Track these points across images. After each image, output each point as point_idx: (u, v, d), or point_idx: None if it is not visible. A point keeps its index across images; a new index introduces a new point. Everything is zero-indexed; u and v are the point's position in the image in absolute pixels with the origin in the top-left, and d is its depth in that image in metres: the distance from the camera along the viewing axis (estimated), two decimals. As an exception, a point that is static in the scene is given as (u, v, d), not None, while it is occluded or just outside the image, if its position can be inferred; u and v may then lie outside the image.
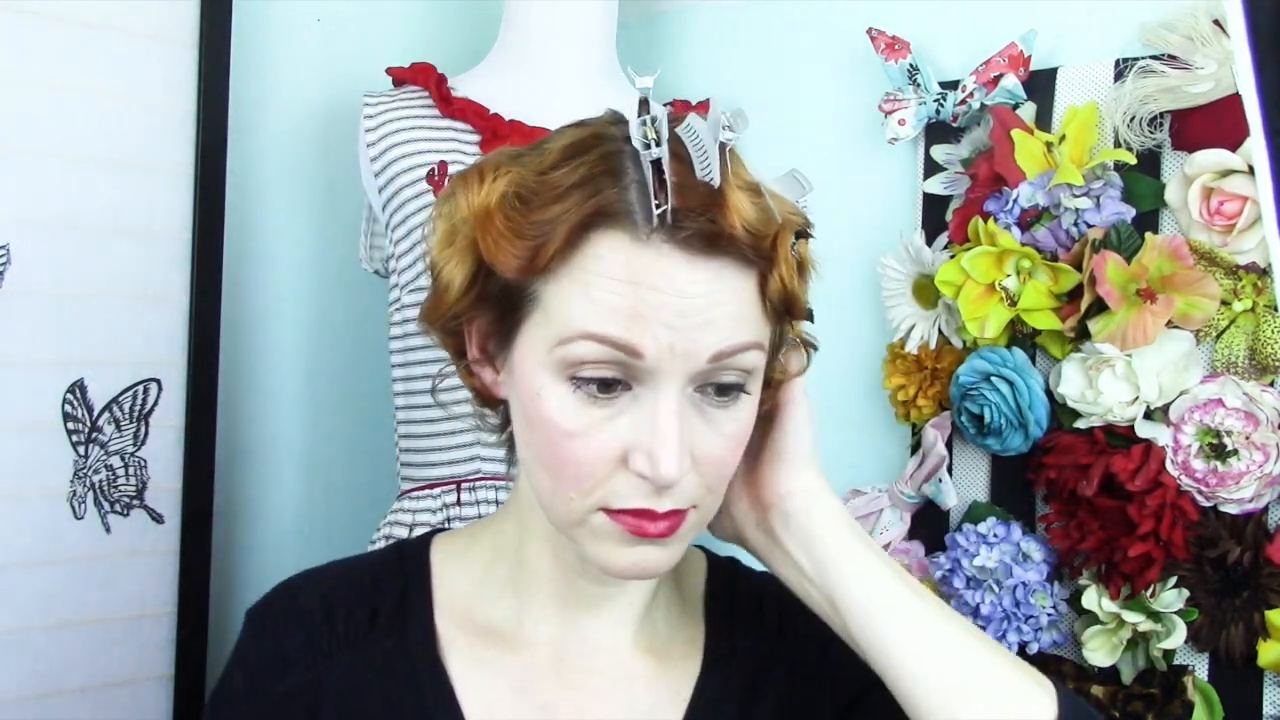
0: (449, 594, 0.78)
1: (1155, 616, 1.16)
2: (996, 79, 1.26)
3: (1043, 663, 1.25)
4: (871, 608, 0.69)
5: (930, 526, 1.35)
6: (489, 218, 0.66)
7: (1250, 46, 0.67)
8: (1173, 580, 1.16)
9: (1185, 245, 1.14)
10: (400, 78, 1.39)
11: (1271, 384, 1.12)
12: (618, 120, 0.69)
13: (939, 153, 1.34)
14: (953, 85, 1.31)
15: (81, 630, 1.27)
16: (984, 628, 1.25)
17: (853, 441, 1.42)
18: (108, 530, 1.29)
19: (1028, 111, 1.26)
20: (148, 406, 1.32)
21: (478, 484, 1.28)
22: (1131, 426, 1.17)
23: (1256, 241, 1.11)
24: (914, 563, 1.34)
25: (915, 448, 1.35)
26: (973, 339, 1.27)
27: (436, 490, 1.29)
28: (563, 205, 0.64)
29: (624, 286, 0.63)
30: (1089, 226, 1.20)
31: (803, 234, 0.68)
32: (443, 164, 1.30)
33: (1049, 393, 1.24)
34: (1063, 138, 1.23)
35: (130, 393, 1.30)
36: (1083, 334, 1.21)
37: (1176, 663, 1.17)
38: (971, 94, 1.28)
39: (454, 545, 0.81)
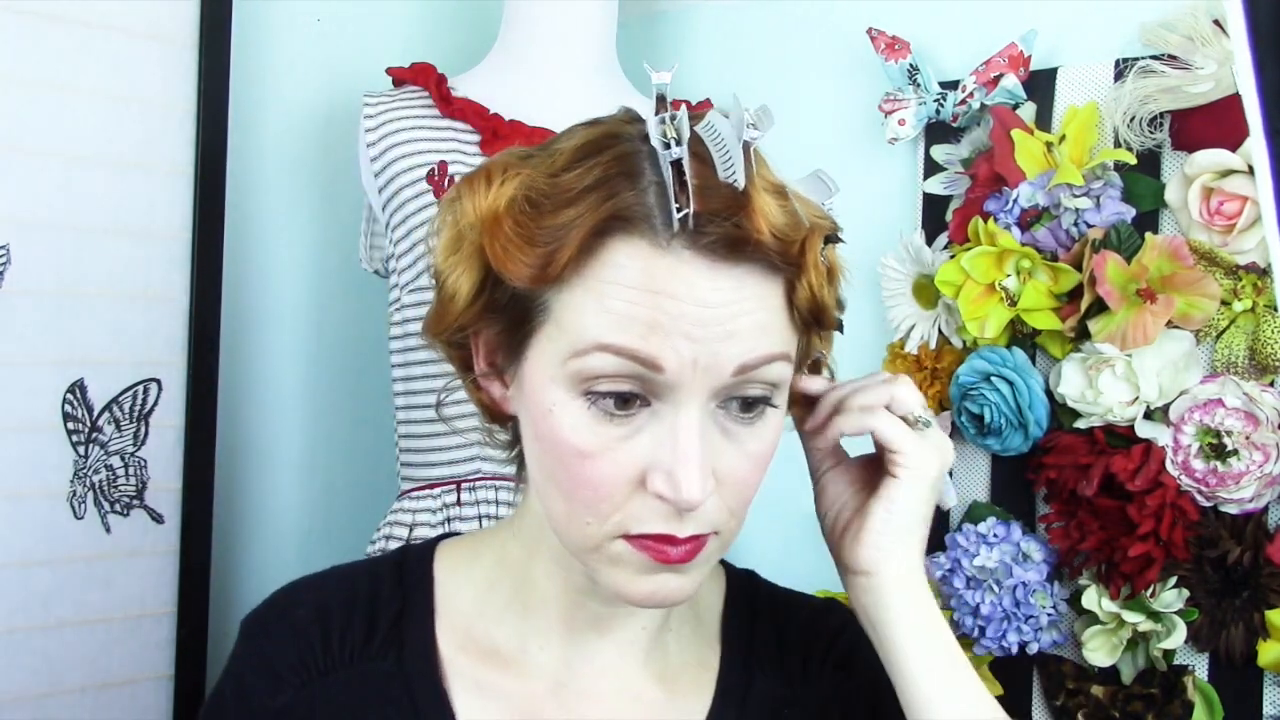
0: (451, 610, 0.74)
1: (1155, 616, 1.16)
2: (996, 79, 1.26)
3: (1043, 662, 1.25)
4: (929, 703, 0.67)
5: (930, 526, 1.34)
6: (497, 223, 0.62)
7: (1250, 46, 0.67)
8: (1173, 580, 1.16)
9: (1185, 245, 1.14)
10: (400, 78, 1.39)
11: (1271, 384, 1.12)
12: (633, 119, 0.65)
13: (939, 153, 1.34)
14: (953, 85, 1.31)
15: (81, 630, 1.27)
16: (984, 628, 1.25)
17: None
18: (108, 530, 1.29)
19: (1028, 111, 1.26)
20: (148, 406, 1.32)
21: (478, 484, 1.28)
22: (1131, 426, 1.17)
23: (1256, 241, 1.11)
24: (914, 563, 1.34)
25: (915, 448, 1.35)
26: (973, 339, 1.27)
27: (436, 490, 1.29)
28: (576, 209, 0.60)
29: (642, 295, 0.59)
30: (1089, 226, 1.20)
31: (833, 238, 0.64)
32: (443, 164, 1.30)
33: (1049, 393, 1.24)
34: (1063, 138, 1.23)
35: (130, 393, 1.30)
36: (1083, 334, 1.21)
37: (1176, 663, 1.17)
38: (971, 94, 1.28)
39: (458, 556, 0.77)
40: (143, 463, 1.31)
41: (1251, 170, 1.09)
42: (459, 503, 1.28)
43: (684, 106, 0.61)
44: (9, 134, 1.21)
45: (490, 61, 1.42)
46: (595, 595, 0.71)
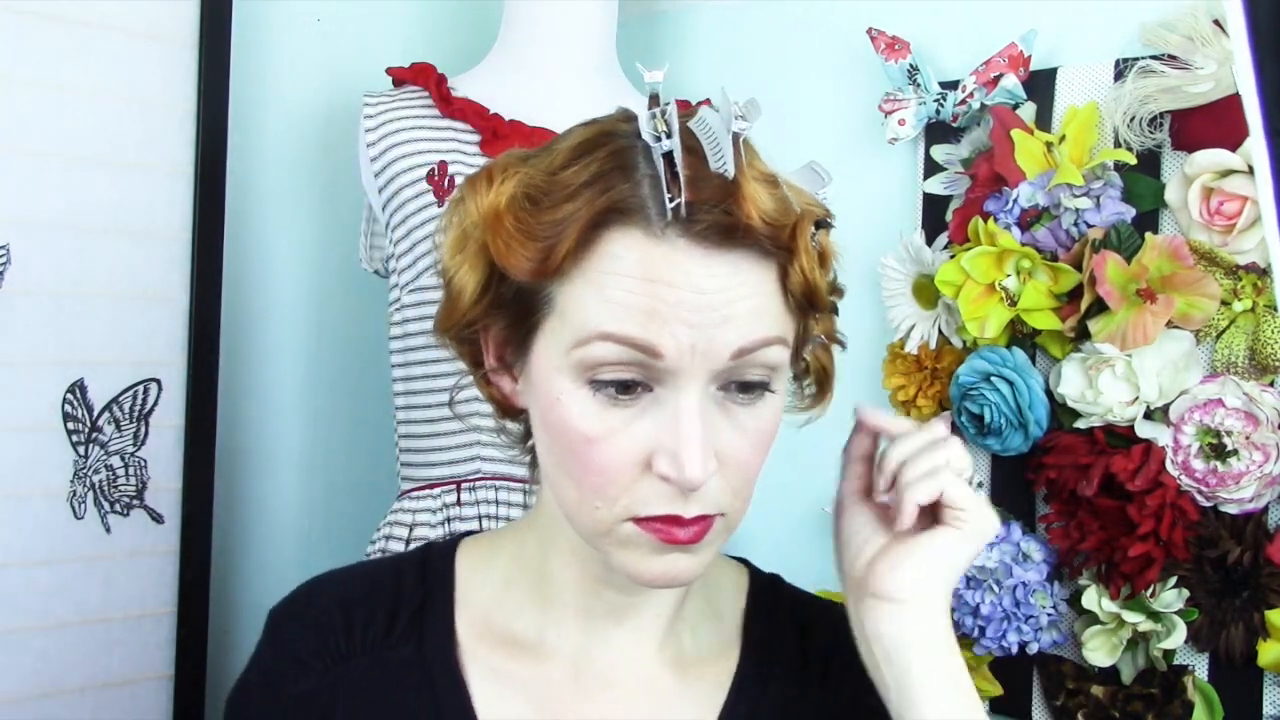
0: (471, 602, 0.76)
1: (1155, 616, 1.16)
2: (996, 79, 1.26)
3: (1043, 662, 1.25)
4: None
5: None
6: (499, 220, 0.64)
7: (1250, 46, 0.67)
8: (1173, 580, 1.16)
9: (1185, 245, 1.14)
10: (400, 78, 1.39)
11: (1271, 384, 1.12)
12: (628, 118, 0.67)
13: (939, 153, 1.34)
14: (953, 85, 1.31)
15: (81, 630, 1.27)
16: (984, 628, 1.25)
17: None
18: (108, 530, 1.29)
19: (1028, 111, 1.26)
20: (148, 406, 1.32)
21: (478, 484, 1.28)
22: (1131, 426, 1.17)
23: (1256, 241, 1.11)
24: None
25: (915, 448, 1.35)
26: (973, 339, 1.27)
27: (436, 490, 1.29)
28: (574, 204, 0.62)
29: (639, 284, 0.61)
30: (1089, 226, 1.20)
31: (823, 224, 0.66)
32: (443, 164, 1.30)
33: (1049, 393, 1.24)
34: (1063, 138, 1.23)
35: (130, 393, 1.30)
36: (1083, 334, 1.21)
37: (1176, 663, 1.17)
38: (971, 94, 1.28)
39: (480, 552, 0.79)
40: (143, 463, 1.32)
41: (1251, 170, 1.09)
42: (459, 503, 1.28)
43: (673, 102, 0.63)
44: (9, 134, 1.21)
45: (490, 61, 1.42)
46: (611, 584, 0.73)
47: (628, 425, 0.64)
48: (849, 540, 0.73)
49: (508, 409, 0.74)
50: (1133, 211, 1.19)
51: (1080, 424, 1.20)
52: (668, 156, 0.61)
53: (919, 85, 1.33)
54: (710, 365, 0.63)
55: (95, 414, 1.28)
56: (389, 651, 0.75)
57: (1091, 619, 1.20)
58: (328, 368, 1.60)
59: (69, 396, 1.26)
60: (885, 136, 1.34)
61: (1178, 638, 1.15)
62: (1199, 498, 1.14)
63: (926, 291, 1.32)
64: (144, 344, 1.31)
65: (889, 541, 0.71)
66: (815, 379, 0.75)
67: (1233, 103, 1.07)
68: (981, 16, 1.32)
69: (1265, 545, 1.11)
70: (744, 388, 0.65)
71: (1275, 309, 1.11)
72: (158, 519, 1.33)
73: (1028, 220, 1.24)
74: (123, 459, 1.30)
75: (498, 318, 0.68)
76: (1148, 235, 1.17)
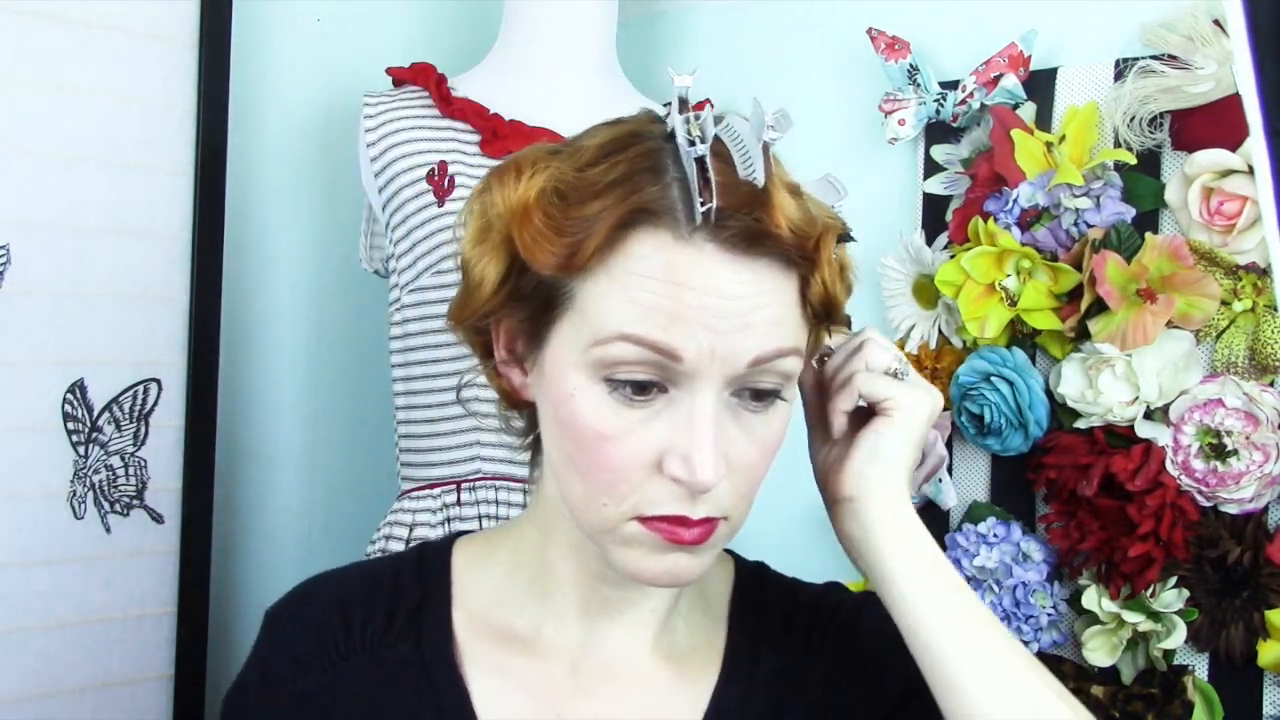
0: (469, 599, 0.77)
1: (1155, 616, 1.16)
2: (996, 79, 1.26)
3: (1043, 662, 1.25)
4: (921, 617, 0.68)
5: (930, 526, 1.33)
6: (527, 214, 0.65)
7: (1250, 46, 0.67)
8: (1173, 580, 1.16)
9: (1185, 245, 1.14)
10: (400, 78, 1.39)
11: (1271, 384, 1.12)
12: (655, 119, 0.68)
13: (939, 153, 1.34)
14: (953, 85, 1.31)
15: (81, 630, 1.26)
16: (984, 628, 1.25)
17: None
18: (108, 530, 1.29)
19: (1028, 111, 1.26)
20: (148, 406, 1.32)
21: (478, 484, 1.28)
22: (1131, 426, 1.17)
23: (1256, 241, 1.11)
24: (914, 563, 1.34)
25: (915, 448, 1.35)
26: (973, 339, 1.27)
27: (436, 490, 1.29)
28: (602, 202, 0.63)
29: (664, 286, 0.62)
30: (1089, 226, 1.20)
31: (845, 238, 0.67)
32: (443, 164, 1.30)
33: (1049, 393, 1.24)
34: (1063, 138, 1.23)
35: (130, 393, 1.30)
36: (1083, 334, 1.21)
37: (1176, 663, 1.17)
38: (971, 94, 1.28)
39: (476, 549, 0.80)
40: (143, 463, 1.31)
41: (1251, 170, 1.09)
42: (459, 503, 1.28)
43: (708, 106, 0.64)
44: (9, 134, 1.21)
45: (490, 61, 1.42)
46: (607, 579, 0.73)
47: (641, 425, 0.64)
48: (815, 456, 0.75)
49: (515, 401, 0.74)
50: (1133, 211, 1.19)
51: (1080, 424, 1.20)
52: (699, 161, 0.61)
53: (919, 85, 1.32)
54: (727, 371, 0.63)
55: (95, 414, 1.28)
56: (388, 650, 0.75)
57: (1091, 619, 1.20)
58: (328, 368, 1.60)
59: (69, 396, 1.26)
60: (885, 136, 1.34)
61: (1178, 638, 1.15)
62: (1199, 498, 1.14)
63: (926, 291, 1.32)
64: (144, 344, 1.31)
65: (838, 449, 0.73)
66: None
67: (1233, 103, 1.07)
68: (981, 16, 1.32)
69: (1265, 545, 1.11)
70: (757, 395, 0.65)
71: (1275, 309, 1.11)
72: (158, 519, 1.33)
73: (1028, 220, 1.24)
74: (123, 459, 1.30)
75: (514, 310, 0.69)
76: (1148, 235, 1.17)
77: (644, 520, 0.65)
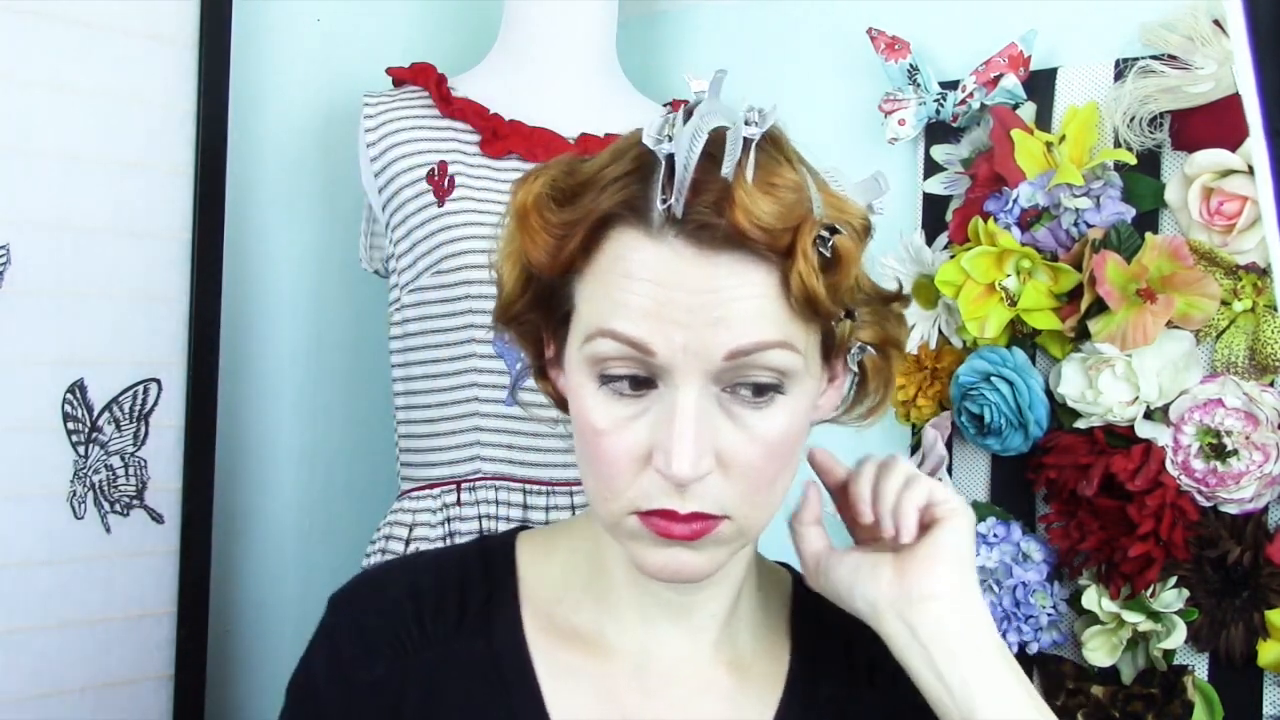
0: (534, 597, 0.77)
1: (1155, 616, 1.16)
2: (996, 79, 1.26)
3: (1043, 662, 1.25)
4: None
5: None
6: (526, 216, 0.67)
7: (1250, 46, 0.67)
8: (1173, 580, 1.16)
9: (1185, 245, 1.14)
10: (400, 78, 1.39)
11: (1271, 384, 1.12)
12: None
13: (939, 153, 1.34)
14: (953, 85, 1.31)
15: (81, 630, 1.26)
16: (984, 628, 1.25)
17: (852, 441, 1.42)
18: (108, 530, 1.29)
19: (1028, 111, 1.26)
20: (148, 406, 1.32)
21: (478, 484, 1.28)
22: (1131, 426, 1.17)
23: (1256, 241, 1.11)
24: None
25: (915, 448, 1.35)
26: (973, 339, 1.27)
27: (436, 490, 1.29)
28: (588, 203, 0.65)
29: (640, 284, 0.63)
30: (1089, 226, 1.20)
31: (832, 229, 0.65)
32: (443, 164, 1.30)
33: (1049, 393, 1.24)
34: (1063, 138, 1.23)
35: (130, 393, 1.30)
36: (1083, 334, 1.21)
37: (1176, 663, 1.17)
38: (971, 94, 1.28)
39: (536, 546, 0.80)
40: (143, 463, 1.31)
41: (1251, 170, 1.09)
42: (459, 503, 1.28)
43: (682, 109, 0.64)
44: (9, 134, 1.21)
45: (490, 61, 1.42)
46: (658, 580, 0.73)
47: (633, 420, 0.65)
48: (856, 580, 0.73)
49: (561, 403, 0.75)
50: (1133, 211, 1.19)
51: (1080, 424, 1.20)
52: (668, 158, 0.62)
53: (919, 85, 1.32)
54: (704, 365, 0.63)
55: (95, 414, 1.28)
56: (460, 644, 0.75)
57: (1091, 619, 1.20)
58: (328, 368, 1.60)
59: (69, 396, 1.26)
60: (885, 136, 1.34)
61: (1178, 638, 1.15)
62: (1199, 498, 1.14)
63: (926, 291, 1.32)
64: (144, 344, 1.31)
65: (899, 558, 0.72)
66: (863, 386, 0.74)
67: (1233, 103, 1.07)
68: (981, 16, 1.32)
69: (1265, 545, 1.11)
70: (757, 390, 0.65)
71: (1275, 309, 1.11)
72: (158, 519, 1.33)
73: (1028, 220, 1.24)
74: (123, 459, 1.30)
75: (539, 312, 0.71)
76: (1148, 235, 1.17)
77: (640, 515, 0.66)
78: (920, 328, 1.33)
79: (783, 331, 0.65)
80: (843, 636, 0.79)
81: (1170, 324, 1.16)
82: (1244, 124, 0.68)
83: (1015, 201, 1.23)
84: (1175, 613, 1.15)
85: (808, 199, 0.65)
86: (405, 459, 1.34)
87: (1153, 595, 1.16)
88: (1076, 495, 1.19)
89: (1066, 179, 1.19)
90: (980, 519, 1.28)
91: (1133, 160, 1.18)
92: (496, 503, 1.27)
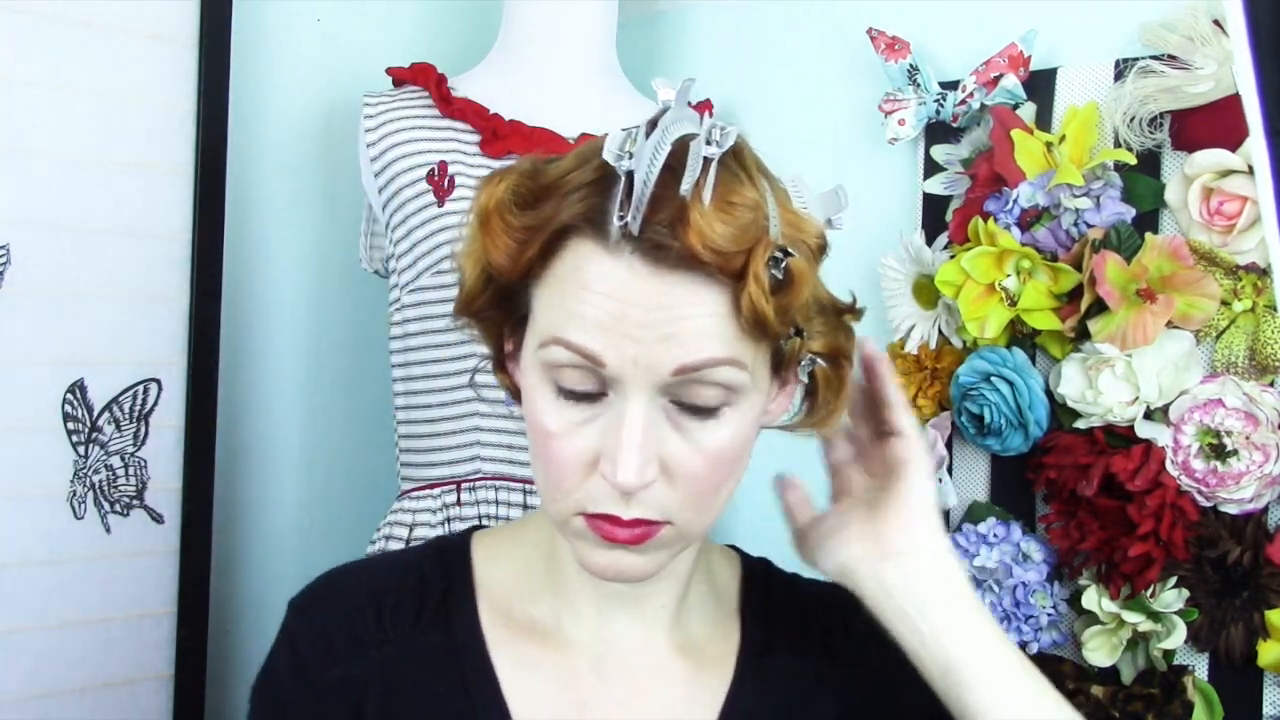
0: (491, 591, 0.79)
1: (1155, 616, 1.16)
2: (996, 79, 1.26)
3: (1043, 662, 1.25)
4: (985, 687, 0.69)
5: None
6: (489, 219, 0.68)
7: (1250, 46, 0.67)
8: (1173, 580, 1.16)
9: (1185, 245, 1.14)
10: (400, 78, 1.39)
11: (1271, 384, 1.12)
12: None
13: (939, 153, 1.34)
14: (953, 85, 1.31)
15: (81, 630, 1.26)
16: (984, 628, 1.25)
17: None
18: (108, 530, 1.29)
19: (1028, 111, 1.26)
20: (148, 406, 1.32)
21: (478, 484, 1.28)
22: (1131, 426, 1.17)
23: (1256, 241, 1.11)
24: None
25: (915, 448, 1.35)
26: (973, 339, 1.27)
27: (436, 490, 1.29)
28: (549, 210, 0.65)
29: (594, 296, 0.64)
30: (1089, 226, 1.20)
31: (785, 251, 0.65)
32: (443, 164, 1.30)
33: (1049, 393, 1.24)
34: (1063, 138, 1.23)
35: (130, 393, 1.30)
36: (1083, 334, 1.21)
37: (1176, 663, 1.17)
38: (971, 94, 1.28)
39: (493, 543, 0.81)
40: (143, 463, 1.31)
41: (1251, 170, 1.09)
42: (459, 503, 1.28)
43: (643, 126, 0.64)
44: (9, 134, 1.21)
45: (490, 61, 1.42)
46: None
47: (583, 425, 0.67)
48: (831, 543, 0.76)
49: (517, 395, 0.76)
50: (1133, 211, 1.19)
51: (1080, 424, 1.20)
52: (628, 174, 0.63)
53: (919, 85, 1.32)
54: (652, 378, 0.65)
55: (95, 414, 1.28)
56: (419, 638, 0.76)
57: (1091, 619, 1.20)
58: (328, 368, 1.60)
59: (69, 396, 1.26)
60: (885, 136, 1.34)
61: (1178, 638, 1.15)
62: (1199, 498, 1.14)
63: (926, 291, 1.32)
64: (144, 344, 1.31)
65: (870, 517, 0.75)
66: (814, 397, 0.75)
67: (1233, 103, 1.07)
68: (981, 16, 1.32)
69: (1265, 545, 1.11)
70: (700, 406, 0.66)
71: (1275, 309, 1.11)
72: (158, 519, 1.33)
73: (1028, 220, 1.24)
74: (123, 459, 1.30)
75: (498, 309, 0.72)
76: (1148, 235, 1.17)
77: (586, 517, 0.68)
78: (920, 328, 1.33)
79: (731, 349, 0.65)
80: (796, 609, 0.81)
81: (1170, 324, 1.16)
82: (1244, 124, 0.68)
83: (1015, 201, 1.23)
84: (1175, 613, 1.15)
85: (764, 218, 0.65)
86: (405, 459, 1.34)
87: (1153, 595, 1.16)
88: (1076, 495, 1.19)
89: (1066, 179, 1.19)
90: (980, 519, 1.28)
91: (1133, 160, 1.18)
92: (496, 503, 1.28)
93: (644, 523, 0.67)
